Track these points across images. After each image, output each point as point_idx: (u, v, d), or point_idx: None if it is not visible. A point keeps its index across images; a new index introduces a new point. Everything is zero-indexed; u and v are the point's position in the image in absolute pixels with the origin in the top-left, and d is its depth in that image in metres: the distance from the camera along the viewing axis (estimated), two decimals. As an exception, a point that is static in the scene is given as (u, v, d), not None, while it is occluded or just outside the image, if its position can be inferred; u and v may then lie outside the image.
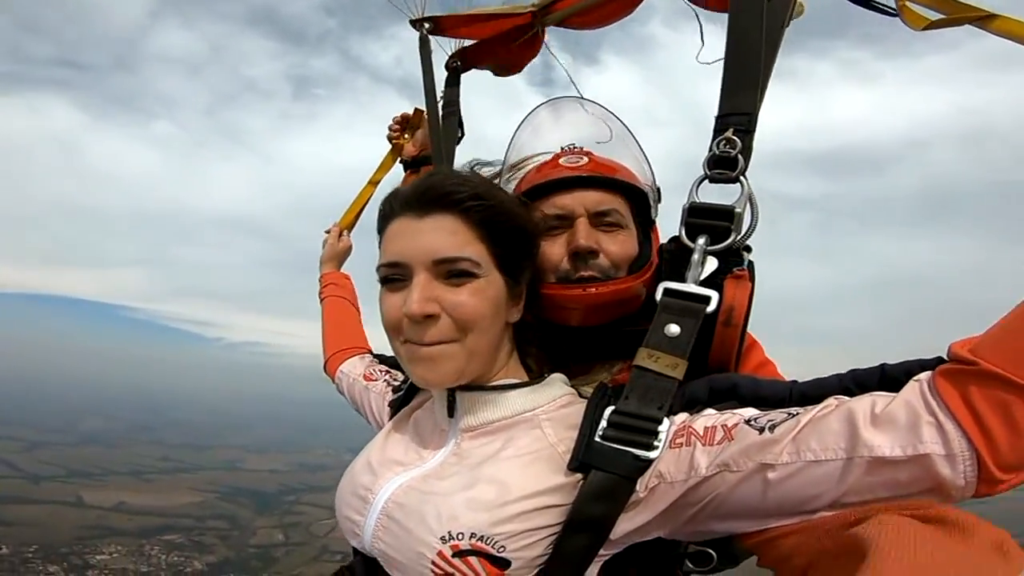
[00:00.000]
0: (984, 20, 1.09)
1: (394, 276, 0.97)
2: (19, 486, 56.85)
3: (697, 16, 1.45)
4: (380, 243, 1.02)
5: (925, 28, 1.17)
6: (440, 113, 1.71)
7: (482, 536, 0.85)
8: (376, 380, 1.49)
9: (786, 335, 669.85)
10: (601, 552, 0.89)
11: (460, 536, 0.85)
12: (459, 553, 0.85)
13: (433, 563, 0.86)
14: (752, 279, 1.00)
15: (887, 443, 0.71)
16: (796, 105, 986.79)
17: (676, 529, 0.89)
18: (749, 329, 1.05)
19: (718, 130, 1.05)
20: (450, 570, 0.85)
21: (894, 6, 1.23)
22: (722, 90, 1.06)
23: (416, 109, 2.02)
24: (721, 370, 1.01)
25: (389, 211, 1.01)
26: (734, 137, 1.03)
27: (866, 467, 0.73)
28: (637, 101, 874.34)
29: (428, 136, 1.85)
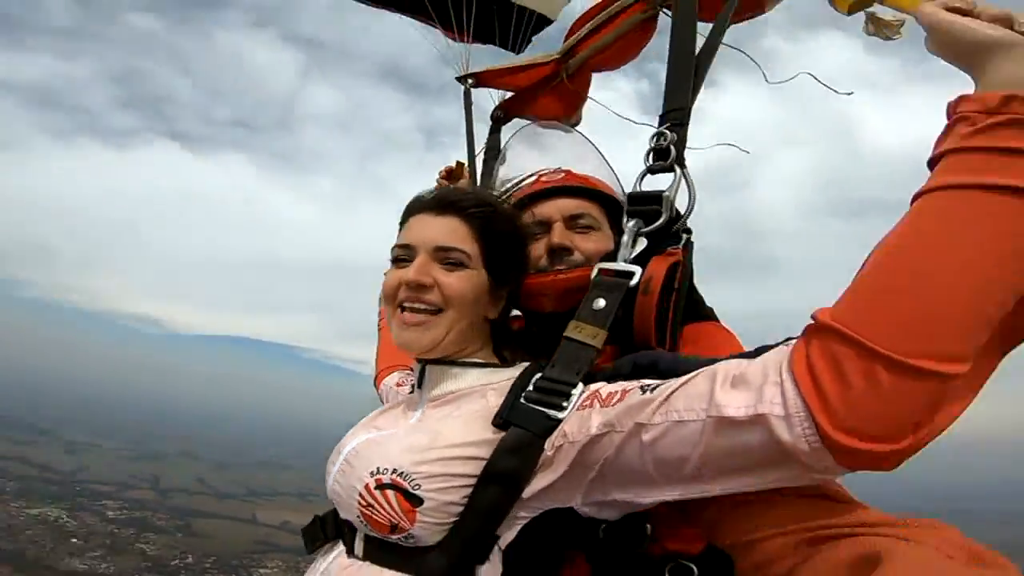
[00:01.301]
0: None
1: (402, 256, 1.13)
2: (206, 502, 63.58)
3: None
4: (400, 231, 1.18)
5: (849, 12, 1.21)
6: (483, 159, 2.04)
7: (402, 473, 0.94)
8: (404, 385, 1.61)
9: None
10: (520, 514, 0.95)
11: (384, 471, 0.95)
12: (380, 486, 0.94)
13: (360, 495, 0.96)
14: (686, 256, 1.09)
15: (734, 403, 0.69)
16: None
17: (585, 497, 0.90)
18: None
19: (658, 127, 1.17)
20: (371, 501, 0.95)
21: None
22: (664, 93, 1.21)
23: (458, 162, 2.17)
24: (646, 346, 1.04)
25: (413, 207, 1.19)
26: (667, 131, 1.16)
27: (714, 427, 0.71)
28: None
29: (469, 183, 2.12)
